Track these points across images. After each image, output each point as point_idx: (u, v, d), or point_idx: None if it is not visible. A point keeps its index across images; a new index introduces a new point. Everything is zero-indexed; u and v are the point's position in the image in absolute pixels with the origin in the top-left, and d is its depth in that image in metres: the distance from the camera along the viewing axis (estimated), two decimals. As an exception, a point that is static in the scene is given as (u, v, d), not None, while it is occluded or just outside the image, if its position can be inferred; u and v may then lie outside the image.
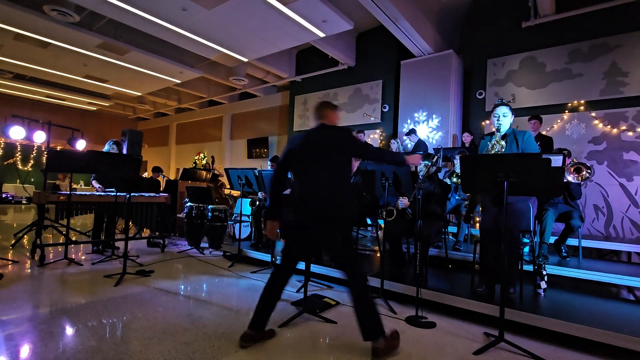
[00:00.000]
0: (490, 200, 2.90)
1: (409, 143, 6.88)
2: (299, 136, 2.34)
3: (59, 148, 10.51)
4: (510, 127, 2.88)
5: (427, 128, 6.71)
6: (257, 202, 4.99)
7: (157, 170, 7.15)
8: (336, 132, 2.36)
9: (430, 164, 3.62)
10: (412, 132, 6.21)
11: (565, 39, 5.57)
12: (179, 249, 5.31)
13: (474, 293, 2.93)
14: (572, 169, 3.62)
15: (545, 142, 4.73)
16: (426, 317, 2.75)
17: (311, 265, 3.60)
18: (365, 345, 2.23)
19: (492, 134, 2.95)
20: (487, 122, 6.19)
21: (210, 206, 5.30)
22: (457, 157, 4.06)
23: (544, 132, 5.31)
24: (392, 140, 6.59)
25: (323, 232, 2.22)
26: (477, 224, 4.16)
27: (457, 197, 4.40)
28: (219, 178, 7.74)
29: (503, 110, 2.85)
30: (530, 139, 2.81)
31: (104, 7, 5.68)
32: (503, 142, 2.82)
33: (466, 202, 3.77)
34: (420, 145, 6.06)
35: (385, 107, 7.63)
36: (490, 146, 2.89)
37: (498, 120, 2.85)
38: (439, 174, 3.89)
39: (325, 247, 2.42)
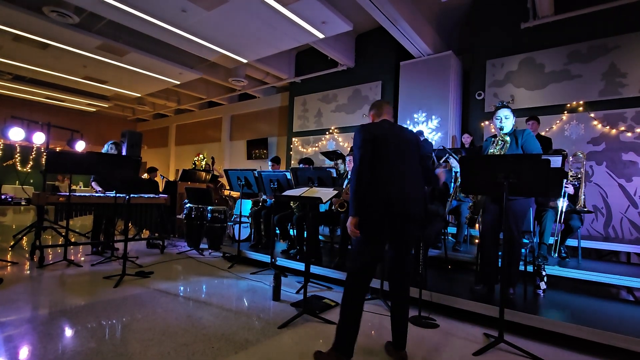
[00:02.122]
0: (491, 201, 2.91)
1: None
2: (375, 126, 2.18)
3: (58, 149, 10.50)
4: (512, 128, 2.90)
5: (427, 129, 6.72)
6: (260, 203, 4.98)
7: (152, 170, 7.14)
8: (409, 131, 2.30)
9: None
10: (419, 133, 6.20)
11: (564, 40, 5.58)
12: (179, 250, 5.31)
13: (474, 293, 2.93)
14: None
15: (544, 143, 4.73)
16: (433, 318, 2.75)
17: (311, 266, 3.60)
18: (365, 346, 2.24)
19: (494, 136, 2.98)
20: (487, 122, 6.20)
21: (209, 207, 5.30)
22: (451, 158, 4.07)
23: (543, 133, 5.32)
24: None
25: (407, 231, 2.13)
26: (476, 225, 4.16)
27: (456, 199, 4.39)
28: (219, 179, 7.74)
29: (505, 112, 2.87)
30: (530, 137, 2.82)
31: (103, 9, 5.69)
32: (507, 139, 2.85)
33: (470, 205, 3.77)
34: (426, 145, 6.07)
35: (384, 108, 7.63)
36: (493, 142, 2.94)
37: (500, 122, 2.88)
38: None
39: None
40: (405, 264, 2.16)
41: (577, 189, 3.75)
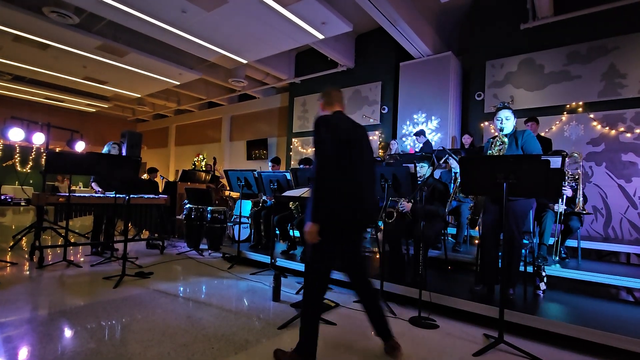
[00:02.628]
0: (491, 201, 2.92)
1: (409, 145, 6.90)
2: (335, 119, 2.00)
3: (58, 149, 10.49)
4: (513, 129, 2.91)
5: (427, 129, 6.72)
6: (260, 204, 4.98)
7: (152, 170, 7.14)
8: (364, 128, 2.16)
9: (427, 165, 3.63)
10: (421, 133, 6.20)
11: (563, 40, 5.59)
12: (178, 250, 5.30)
13: (474, 294, 2.93)
14: None
15: (544, 144, 4.73)
16: (433, 318, 2.75)
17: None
18: (365, 347, 2.24)
19: (495, 137, 2.99)
20: (487, 123, 6.21)
21: (209, 208, 5.30)
22: (451, 159, 4.07)
23: (542, 134, 5.32)
24: (392, 141, 6.60)
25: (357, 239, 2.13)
26: (477, 226, 4.16)
27: (456, 200, 4.39)
28: (221, 180, 7.74)
29: (505, 113, 2.87)
30: (530, 137, 2.82)
31: (103, 9, 5.69)
32: (505, 139, 2.87)
33: (471, 205, 3.77)
34: (426, 146, 6.06)
35: (384, 109, 7.65)
36: (492, 143, 2.96)
37: (501, 123, 2.89)
38: (434, 174, 3.89)
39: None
40: (362, 258, 2.18)
41: (575, 190, 3.75)
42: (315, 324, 1.94)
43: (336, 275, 3.51)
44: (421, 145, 6.22)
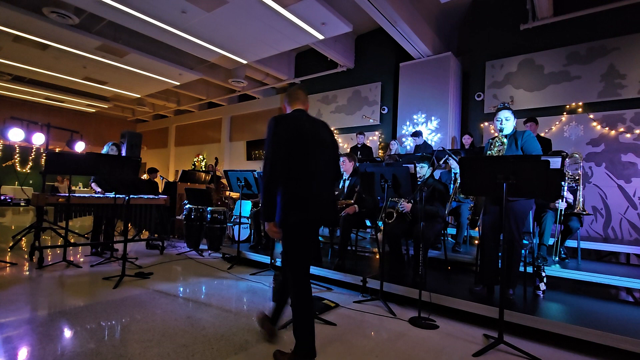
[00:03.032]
0: (491, 202, 2.92)
1: (408, 145, 6.89)
2: (288, 119, 2.04)
3: (57, 150, 10.50)
4: (513, 129, 2.91)
5: (426, 130, 6.72)
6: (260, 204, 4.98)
7: (152, 171, 7.14)
8: (326, 126, 2.21)
9: (427, 166, 3.63)
10: (418, 133, 6.19)
11: (563, 41, 5.60)
12: (178, 251, 5.30)
13: (474, 294, 2.93)
14: None
15: (544, 144, 4.74)
16: (432, 319, 2.75)
17: (310, 267, 3.59)
18: (365, 347, 2.23)
19: (495, 137, 3.00)
20: (486, 124, 6.21)
21: (209, 208, 5.30)
22: (451, 159, 4.07)
23: (542, 134, 5.33)
24: (392, 142, 6.60)
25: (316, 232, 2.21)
26: (477, 227, 4.16)
27: (456, 200, 4.40)
28: (221, 180, 7.73)
29: (505, 114, 2.88)
30: (530, 138, 2.83)
31: (103, 9, 5.69)
32: (505, 140, 2.87)
33: (471, 205, 3.77)
34: (421, 147, 6.05)
35: (384, 109, 7.65)
36: (491, 144, 2.97)
37: (501, 123, 2.89)
38: (434, 174, 3.89)
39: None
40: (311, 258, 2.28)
41: (574, 191, 3.75)
42: (308, 324, 1.95)
43: (336, 275, 3.52)
44: (415, 145, 6.19)
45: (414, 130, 6.43)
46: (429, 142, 6.59)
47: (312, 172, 2.01)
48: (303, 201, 1.96)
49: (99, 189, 4.68)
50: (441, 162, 4.30)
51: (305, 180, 1.99)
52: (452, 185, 4.30)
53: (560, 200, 3.57)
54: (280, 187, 1.96)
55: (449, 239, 4.63)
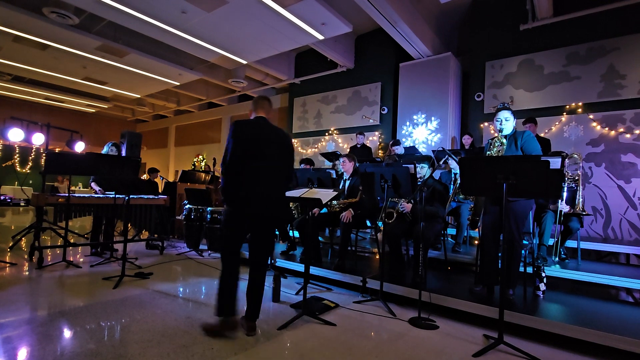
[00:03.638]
0: (491, 202, 2.92)
1: (408, 145, 6.89)
2: (247, 124, 2.40)
3: (57, 150, 10.49)
4: (512, 130, 2.91)
5: (426, 130, 6.72)
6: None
7: (153, 171, 7.13)
8: (282, 132, 2.55)
9: (427, 166, 3.63)
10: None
11: (562, 41, 5.60)
12: (178, 251, 5.30)
13: (473, 295, 2.93)
14: None
15: (543, 145, 4.73)
16: (432, 319, 2.75)
17: (310, 267, 3.60)
18: (365, 348, 2.23)
19: (494, 138, 3.00)
20: (486, 124, 6.21)
21: (209, 208, 5.30)
22: (450, 159, 4.07)
23: (542, 135, 5.33)
24: (395, 147, 6.58)
25: (260, 225, 2.44)
26: (477, 228, 4.16)
27: (456, 200, 4.40)
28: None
29: (505, 114, 2.88)
30: (530, 138, 2.83)
31: (103, 10, 5.69)
32: (504, 140, 2.88)
33: (471, 206, 3.77)
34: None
35: (384, 110, 7.65)
36: (491, 144, 2.98)
37: (501, 124, 2.89)
38: (434, 174, 3.90)
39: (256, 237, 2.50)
40: (262, 249, 2.49)
41: (574, 191, 3.75)
42: (223, 287, 2.34)
43: (336, 275, 3.52)
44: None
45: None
46: (429, 143, 6.59)
47: (260, 173, 2.35)
48: (243, 197, 2.31)
49: (98, 188, 4.68)
50: (441, 163, 4.30)
51: (252, 179, 2.33)
52: (451, 186, 4.30)
53: (561, 201, 3.57)
54: (232, 179, 2.33)
55: (449, 239, 4.63)
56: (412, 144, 6.81)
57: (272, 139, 2.44)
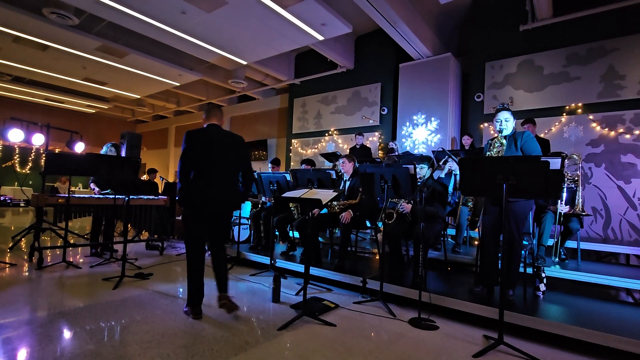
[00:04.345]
0: (491, 202, 2.92)
1: (408, 145, 6.90)
2: (198, 132, 2.68)
3: (57, 150, 10.49)
4: (512, 131, 2.91)
5: (426, 130, 6.73)
6: (259, 205, 4.98)
7: (152, 171, 7.13)
8: (236, 136, 2.83)
9: (427, 166, 3.63)
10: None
11: (562, 42, 5.60)
12: (178, 251, 5.30)
13: (473, 295, 2.93)
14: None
15: (542, 145, 4.72)
16: (432, 320, 2.75)
17: (310, 268, 3.60)
18: (365, 349, 2.23)
19: (494, 138, 3.00)
20: (486, 124, 6.21)
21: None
22: (451, 160, 4.07)
23: (542, 135, 5.33)
24: (391, 143, 6.60)
25: (216, 221, 2.79)
26: (477, 228, 4.16)
27: (455, 199, 4.40)
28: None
29: (505, 115, 2.88)
30: (530, 138, 2.83)
31: (102, 10, 5.70)
32: (504, 141, 2.88)
33: (470, 206, 3.76)
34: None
35: (384, 110, 7.65)
36: (490, 144, 2.98)
37: (500, 124, 2.89)
38: (434, 175, 3.90)
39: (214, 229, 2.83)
40: (219, 237, 2.84)
41: (574, 192, 3.75)
42: (192, 279, 2.67)
43: (336, 276, 3.52)
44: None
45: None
46: (429, 143, 6.60)
47: (213, 176, 2.64)
48: (196, 198, 2.62)
49: (97, 189, 4.67)
50: (441, 163, 4.30)
51: (204, 181, 2.62)
52: (451, 186, 4.30)
53: (561, 202, 3.58)
54: (186, 184, 2.60)
55: (449, 239, 4.63)
56: (412, 145, 6.82)
57: (225, 144, 2.71)
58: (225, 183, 2.72)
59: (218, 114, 2.82)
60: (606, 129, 5.22)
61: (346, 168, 4.04)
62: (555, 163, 2.20)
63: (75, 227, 7.29)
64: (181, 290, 3.37)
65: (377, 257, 4.49)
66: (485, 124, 6.22)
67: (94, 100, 11.92)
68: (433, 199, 3.48)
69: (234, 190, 2.81)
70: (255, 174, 4.30)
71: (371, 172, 3.25)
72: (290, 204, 4.47)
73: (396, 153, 6.15)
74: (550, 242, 3.75)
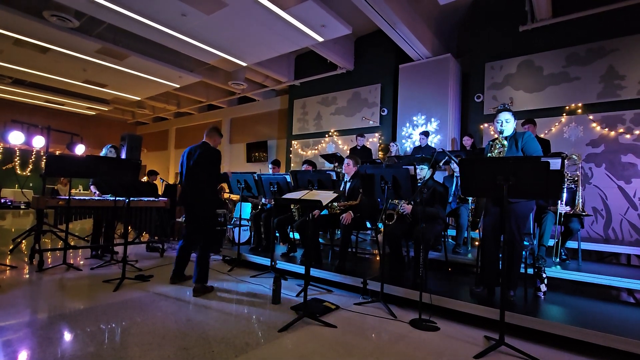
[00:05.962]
0: (492, 203, 2.91)
1: (408, 147, 6.90)
2: (189, 148, 3.55)
3: (57, 153, 10.49)
4: (513, 131, 2.91)
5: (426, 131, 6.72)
6: (260, 206, 4.98)
7: (152, 173, 7.13)
8: (211, 149, 3.52)
9: (427, 167, 3.63)
10: (427, 133, 6.18)
11: (562, 42, 5.61)
12: (178, 253, 5.29)
13: (474, 296, 2.92)
14: None
15: (542, 146, 4.72)
16: (433, 321, 2.74)
17: (311, 269, 3.60)
18: (365, 350, 2.23)
19: (494, 139, 3.00)
20: (486, 125, 6.21)
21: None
22: (452, 162, 4.07)
23: (542, 135, 5.33)
24: (392, 144, 6.61)
25: (195, 219, 3.50)
26: (477, 229, 4.16)
27: (456, 200, 4.40)
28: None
29: (506, 116, 2.88)
30: (531, 139, 2.83)
31: (103, 12, 5.71)
32: (505, 142, 2.88)
33: (471, 207, 3.76)
34: (422, 149, 6.00)
35: (384, 111, 7.66)
36: (491, 146, 2.97)
37: (501, 125, 2.89)
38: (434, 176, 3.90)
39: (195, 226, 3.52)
40: (199, 233, 3.47)
41: (574, 192, 3.75)
42: (178, 257, 3.59)
43: (336, 277, 3.52)
44: (415, 147, 6.19)
45: (424, 130, 6.45)
46: (429, 144, 6.60)
47: (188, 179, 3.44)
48: (182, 197, 3.49)
49: (97, 192, 4.68)
50: (441, 164, 4.30)
51: (185, 184, 3.46)
52: (452, 187, 4.30)
53: (561, 202, 3.57)
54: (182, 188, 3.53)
55: (450, 240, 4.62)
56: (412, 145, 6.82)
57: (200, 154, 3.41)
58: (197, 188, 3.44)
59: (213, 135, 3.66)
60: (606, 129, 5.22)
61: (349, 169, 4.04)
62: (555, 163, 2.20)
63: (76, 229, 7.29)
64: (181, 292, 3.37)
65: (378, 258, 4.49)
66: (485, 125, 6.22)
67: (94, 103, 11.93)
68: (433, 199, 3.48)
69: (204, 194, 3.47)
70: (255, 175, 4.32)
71: (371, 173, 3.25)
72: (292, 205, 4.47)
73: (393, 154, 6.18)
74: (551, 242, 3.75)
